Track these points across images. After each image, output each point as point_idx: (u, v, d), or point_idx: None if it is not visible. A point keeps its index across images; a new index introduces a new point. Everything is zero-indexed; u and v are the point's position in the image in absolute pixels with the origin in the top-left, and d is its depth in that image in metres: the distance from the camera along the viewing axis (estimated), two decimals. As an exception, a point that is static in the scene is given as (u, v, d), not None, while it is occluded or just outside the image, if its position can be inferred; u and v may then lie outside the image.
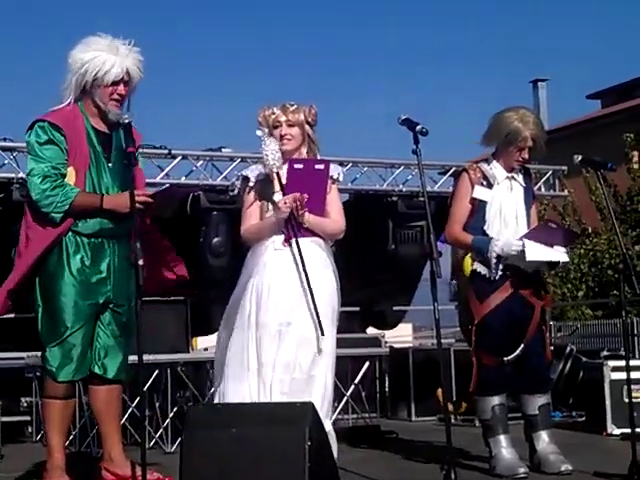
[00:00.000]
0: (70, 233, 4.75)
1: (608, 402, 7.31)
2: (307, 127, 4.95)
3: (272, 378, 4.66)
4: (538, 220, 5.75)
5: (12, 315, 5.46)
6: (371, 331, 10.18)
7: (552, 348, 5.92)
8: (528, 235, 5.32)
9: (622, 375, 7.01)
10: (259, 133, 4.99)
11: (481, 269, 5.39)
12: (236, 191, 5.14)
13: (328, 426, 4.71)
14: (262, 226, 4.87)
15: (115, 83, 4.79)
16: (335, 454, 4.64)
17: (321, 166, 4.83)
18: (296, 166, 4.77)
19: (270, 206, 4.86)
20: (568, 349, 8.93)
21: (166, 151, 8.43)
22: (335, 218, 4.94)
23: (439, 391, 8.17)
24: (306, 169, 4.78)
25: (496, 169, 5.50)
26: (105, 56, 4.75)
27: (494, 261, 5.32)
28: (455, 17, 57.99)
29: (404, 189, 9.48)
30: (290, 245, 4.80)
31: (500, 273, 5.34)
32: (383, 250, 9.53)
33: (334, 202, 4.96)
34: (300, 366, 4.69)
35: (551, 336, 5.68)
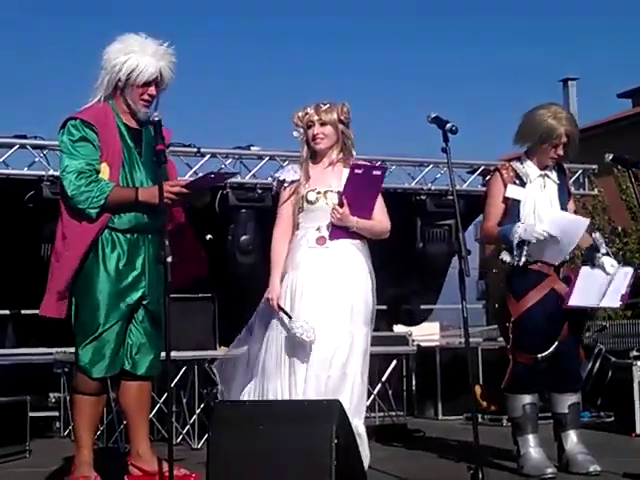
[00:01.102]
0: (106, 230, 4.75)
1: (637, 403, 7.27)
2: (340, 125, 4.97)
3: (307, 374, 4.67)
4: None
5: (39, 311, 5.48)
6: (398, 329, 10.16)
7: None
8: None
9: (652, 375, 7.00)
10: (295, 134, 5.07)
11: (506, 257, 5.34)
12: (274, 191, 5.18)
13: (361, 427, 4.73)
14: (273, 262, 4.92)
15: (147, 84, 4.80)
16: (367, 459, 4.66)
17: (378, 172, 4.91)
18: (356, 171, 4.82)
19: (306, 205, 4.89)
20: (597, 349, 8.86)
21: (195, 149, 8.45)
22: (380, 219, 4.98)
23: (477, 387, 8.19)
24: (365, 174, 4.84)
25: (529, 167, 5.47)
26: (139, 56, 4.76)
27: (516, 241, 5.23)
28: (485, 16, 57.86)
29: (433, 188, 9.46)
30: (324, 244, 4.83)
31: (524, 259, 5.27)
32: (411, 249, 9.52)
33: (378, 202, 4.99)
34: (335, 363, 4.70)
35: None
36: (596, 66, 50.90)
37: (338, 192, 4.88)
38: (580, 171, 10.11)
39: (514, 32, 60.54)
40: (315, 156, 5.01)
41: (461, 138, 4.77)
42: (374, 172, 4.88)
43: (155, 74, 4.79)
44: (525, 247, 5.23)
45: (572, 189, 5.71)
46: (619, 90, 27.87)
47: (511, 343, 5.43)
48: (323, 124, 4.95)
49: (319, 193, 4.91)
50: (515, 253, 5.26)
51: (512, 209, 5.42)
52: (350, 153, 5.02)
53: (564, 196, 5.55)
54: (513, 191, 5.43)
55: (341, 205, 4.79)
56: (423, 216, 9.50)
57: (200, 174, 8.48)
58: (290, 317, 4.76)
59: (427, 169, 9.49)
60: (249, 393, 4.85)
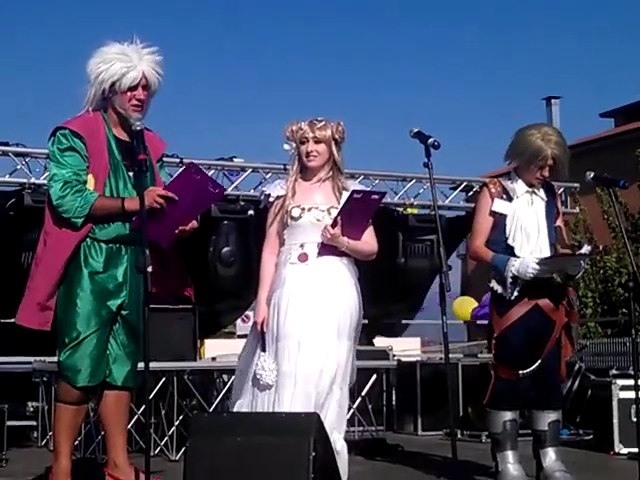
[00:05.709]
0: (88, 239, 4.75)
1: (616, 421, 7.27)
2: (333, 144, 4.94)
3: (294, 392, 4.64)
4: (567, 236, 5.74)
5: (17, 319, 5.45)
6: (379, 343, 10.15)
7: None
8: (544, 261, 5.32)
9: (630, 394, 6.96)
10: (286, 147, 4.99)
11: (497, 287, 5.39)
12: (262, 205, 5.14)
13: (340, 443, 4.70)
14: (261, 282, 4.91)
15: (132, 88, 4.78)
16: (344, 475, 4.64)
17: (376, 197, 4.89)
18: (355, 196, 4.79)
19: (289, 221, 4.85)
20: (577, 367, 8.88)
21: (177, 160, 8.43)
22: (368, 240, 4.93)
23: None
24: (363, 198, 4.82)
25: (517, 184, 5.51)
26: (120, 63, 4.76)
27: (509, 281, 5.31)
28: (470, 35, 58.03)
29: (415, 203, 9.49)
30: (305, 261, 4.80)
31: (516, 294, 5.32)
32: (393, 263, 9.53)
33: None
34: (323, 379, 4.67)
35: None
36: (579, 85, 51.19)
37: (328, 209, 4.85)
38: (562, 189, 10.14)
39: (497, 49, 60.81)
40: (305, 172, 4.97)
41: (444, 154, 4.80)
42: (372, 196, 4.87)
43: (139, 77, 4.77)
44: (518, 282, 5.29)
45: (561, 207, 5.74)
46: (602, 109, 28.06)
47: (493, 359, 5.45)
48: (317, 141, 4.89)
49: (303, 209, 4.87)
50: (508, 288, 5.33)
51: (499, 223, 5.46)
52: (340, 172, 4.98)
53: (552, 213, 5.58)
54: (499, 205, 5.47)
55: (334, 225, 4.78)
56: (405, 231, 9.53)
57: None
58: (264, 350, 4.76)
59: (410, 184, 9.51)
60: (240, 407, 4.82)
